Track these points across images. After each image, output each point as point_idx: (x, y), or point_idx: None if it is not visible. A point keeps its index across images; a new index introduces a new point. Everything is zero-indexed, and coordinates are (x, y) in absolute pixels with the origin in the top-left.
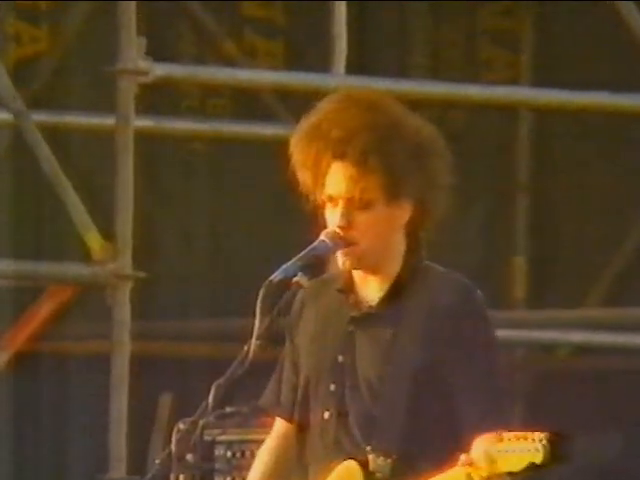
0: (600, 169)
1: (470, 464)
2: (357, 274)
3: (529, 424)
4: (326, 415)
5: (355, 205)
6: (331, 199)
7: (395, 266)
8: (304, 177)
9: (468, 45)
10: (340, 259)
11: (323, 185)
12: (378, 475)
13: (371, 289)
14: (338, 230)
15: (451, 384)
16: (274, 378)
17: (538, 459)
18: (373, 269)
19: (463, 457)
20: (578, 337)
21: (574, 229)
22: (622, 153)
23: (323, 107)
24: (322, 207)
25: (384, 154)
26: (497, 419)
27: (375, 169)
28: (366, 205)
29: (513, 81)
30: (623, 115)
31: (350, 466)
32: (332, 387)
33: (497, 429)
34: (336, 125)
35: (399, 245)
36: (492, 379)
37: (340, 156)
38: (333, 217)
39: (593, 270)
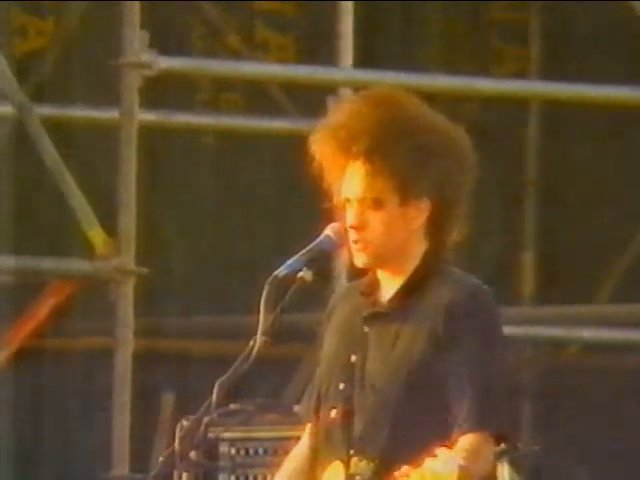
0: (609, 165)
1: (406, 476)
2: (382, 276)
3: (538, 421)
4: (333, 414)
5: (367, 205)
6: (348, 201)
7: (414, 267)
8: (326, 180)
9: (477, 38)
10: (355, 256)
11: (341, 187)
12: (357, 478)
13: (389, 290)
14: (352, 230)
15: (446, 385)
16: (309, 385)
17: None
18: (392, 268)
19: (404, 469)
20: (587, 334)
21: (583, 225)
22: (632, 149)
23: (337, 108)
24: (343, 210)
25: (388, 153)
26: (483, 421)
27: (382, 168)
28: (377, 205)
29: (523, 74)
30: (633, 109)
31: (337, 467)
32: (341, 386)
33: (481, 431)
34: (345, 125)
35: (418, 246)
36: (488, 381)
37: (350, 156)
38: (349, 218)
39: (602, 266)
